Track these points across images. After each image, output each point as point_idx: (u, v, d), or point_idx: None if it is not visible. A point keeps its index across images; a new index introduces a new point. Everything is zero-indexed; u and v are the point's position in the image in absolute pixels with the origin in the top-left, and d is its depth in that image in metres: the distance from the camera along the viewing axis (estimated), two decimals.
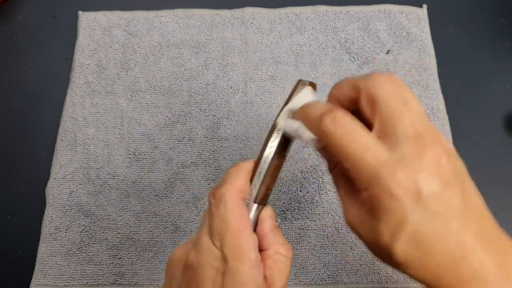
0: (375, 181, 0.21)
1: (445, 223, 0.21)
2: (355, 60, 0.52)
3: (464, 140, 0.48)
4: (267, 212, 0.28)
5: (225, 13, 0.55)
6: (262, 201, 0.28)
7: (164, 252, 0.44)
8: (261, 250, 0.27)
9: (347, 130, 0.23)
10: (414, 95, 0.23)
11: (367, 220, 0.23)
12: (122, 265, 0.43)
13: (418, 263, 0.22)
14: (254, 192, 0.27)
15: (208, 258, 0.25)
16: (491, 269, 0.22)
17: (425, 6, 0.56)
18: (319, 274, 0.42)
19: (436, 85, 0.51)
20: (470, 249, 0.21)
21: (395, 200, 0.21)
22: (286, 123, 0.27)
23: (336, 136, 0.23)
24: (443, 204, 0.21)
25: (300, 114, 0.26)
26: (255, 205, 0.27)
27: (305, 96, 0.28)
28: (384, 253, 0.23)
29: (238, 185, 0.27)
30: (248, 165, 0.28)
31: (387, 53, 0.53)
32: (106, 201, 0.46)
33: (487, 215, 0.23)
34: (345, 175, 0.26)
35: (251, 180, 0.28)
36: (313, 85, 0.30)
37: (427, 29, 0.54)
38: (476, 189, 0.23)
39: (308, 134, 0.25)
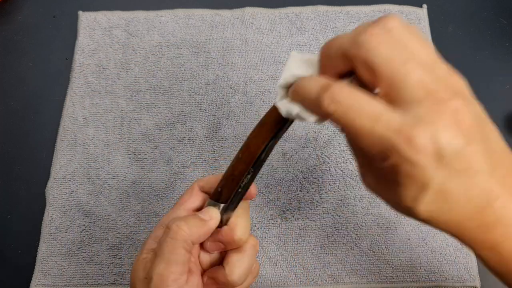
0: (391, 151, 0.20)
1: (469, 178, 0.20)
2: None
3: None
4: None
5: (225, 13, 0.55)
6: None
7: None
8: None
9: (349, 105, 0.20)
10: (418, 38, 0.21)
11: (386, 184, 0.22)
12: (122, 265, 0.43)
13: (442, 218, 0.22)
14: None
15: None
16: None
17: (425, 6, 0.56)
18: (319, 274, 0.42)
19: None
20: (494, 196, 0.21)
21: (416, 167, 0.20)
22: (286, 109, 0.25)
23: (339, 115, 0.21)
24: (467, 160, 0.20)
25: (296, 96, 0.24)
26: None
27: (293, 66, 0.25)
28: (407, 212, 0.22)
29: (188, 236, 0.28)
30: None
31: None
32: (106, 201, 0.46)
33: (509, 156, 0.22)
34: None
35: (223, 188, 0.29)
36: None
37: (427, 29, 0.54)
38: (497, 130, 0.22)
39: (311, 118, 0.24)
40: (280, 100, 0.25)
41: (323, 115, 0.22)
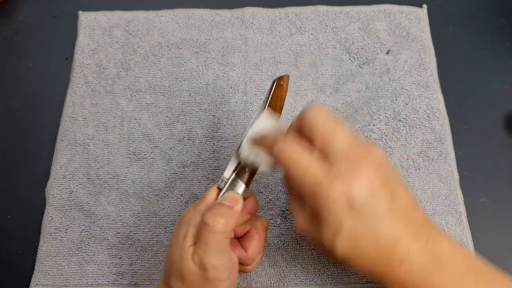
0: (315, 196, 0.26)
1: (375, 223, 0.26)
2: (355, 60, 0.52)
3: (464, 140, 0.48)
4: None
5: (225, 13, 0.55)
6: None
7: (164, 252, 0.44)
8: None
9: (289, 155, 0.28)
10: (342, 119, 0.29)
11: (312, 226, 0.28)
12: (122, 265, 0.43)
13: (356, 258, 0.27)
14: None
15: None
16: (417, 251, 0.27)
17: (425, 6, 0.56)
18: (319, 274, 0.42)
19: (436, 85, 0.51)
20: (398, 239, 0.26)
21: (332, 211, 0.26)
22: (249, 152, 0.33)
23: (283, 162, 0.28)
24: (372, 208, 0.26)
25: (258, 143, 0.32)
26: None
27: (263, 123, 0.33)
28: (328, 252, 0.28)
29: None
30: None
31: (387, 53, 0.53)
32: (106, 201, 0.46)
33: (414, 208, 0.28)
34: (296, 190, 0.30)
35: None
36: (285, 78, 0.35)
37: (427, 29, 0.54)
38: (408, 189, 0.29)
39: (265, 161, 0.32)
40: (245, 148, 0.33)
41: (273, 159, 0.29)
